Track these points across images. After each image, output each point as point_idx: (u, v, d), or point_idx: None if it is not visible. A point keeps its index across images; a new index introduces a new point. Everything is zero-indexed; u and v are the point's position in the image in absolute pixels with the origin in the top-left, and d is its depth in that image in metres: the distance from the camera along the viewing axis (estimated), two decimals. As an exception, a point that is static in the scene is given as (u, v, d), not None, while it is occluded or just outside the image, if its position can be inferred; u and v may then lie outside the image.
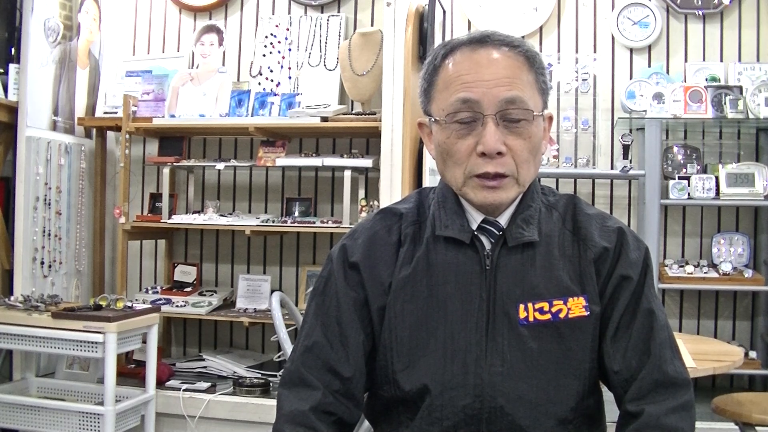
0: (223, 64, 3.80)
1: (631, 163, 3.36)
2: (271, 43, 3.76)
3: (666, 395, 1.18)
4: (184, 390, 3.26)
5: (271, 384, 3.32)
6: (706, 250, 3.52)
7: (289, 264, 3.84)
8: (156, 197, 3.81)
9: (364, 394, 1.30)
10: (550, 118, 1.28)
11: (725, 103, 3.29)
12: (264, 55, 3.77)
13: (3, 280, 3.37)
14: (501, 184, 1.20)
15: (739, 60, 3.51)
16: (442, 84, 1.23)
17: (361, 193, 3.41)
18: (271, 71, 3.73)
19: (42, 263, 3.37)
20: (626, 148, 3.36)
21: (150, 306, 3.21)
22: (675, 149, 3.54)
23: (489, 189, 1.20)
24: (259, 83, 3.72)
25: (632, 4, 3.57)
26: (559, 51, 3.64)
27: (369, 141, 3.62)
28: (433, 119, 1.25)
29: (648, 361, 1.20)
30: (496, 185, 1.20)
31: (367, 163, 3.35)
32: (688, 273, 3.32)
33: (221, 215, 3.57)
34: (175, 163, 3.64)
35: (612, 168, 3.52)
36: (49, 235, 3.42)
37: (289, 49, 3.74)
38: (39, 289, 3.25)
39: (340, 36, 3.69)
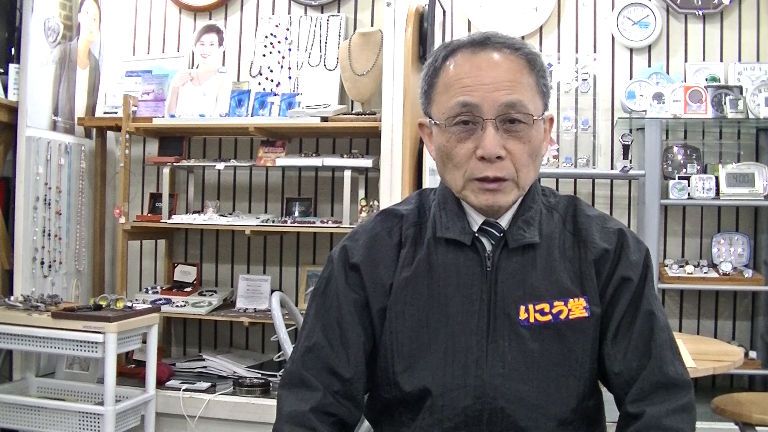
0: (223, 64, 3.80)
1: (631, 163, 3.36)
2: (271, 43, 3.76)
3: (667, 396, 1.18)
4: (184, 390, 3.26)
5: (271, 384, 3.32)
6: (706, 250, 3.52)
7: (289, 264, 3.84)
8: (156, 197, 3.81)
9: (365, 395, 1.30)
10: (551, 120, 1.28)
11: (725, 103, 3.29)
12: (264, 55, 3.77)
13: (3, 280, 3.37)
14: (501, 187, 1.20)
15: (739, 60, 3.51)
16: (442, 86, 1.23)
17: (361, 193, 3.41)
18: (271, 71, 3.73)
19: (42, 263, 3.37)
20: (626, 148, 3.36)
21: (150, 306, 3.21)
22: (675, 149, 3.54)
23: (489, 192, 1.20)
24: (259, 83, 3.72)
25: (632, 4, 3.57)
26: (559, 51, 3.64)
27: (369, 141, 3.62)
28: (433, 122, 1.25)
29: (648, 362, 1.20)
30: (496, 188, 1.20)
31: (367, 163, 3.35)
32: (688, 273, 3.32)
33: (221, 215, 3.57)
34: (175, 163, 3.64)
35: (612, 168, 3.52)
36: (49, 235, 3.42)
37: (289, 49, 3.74)
38: (39, 289, 3.25)
39: (340, 36, 3.69)
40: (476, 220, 1.26)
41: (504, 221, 1.25)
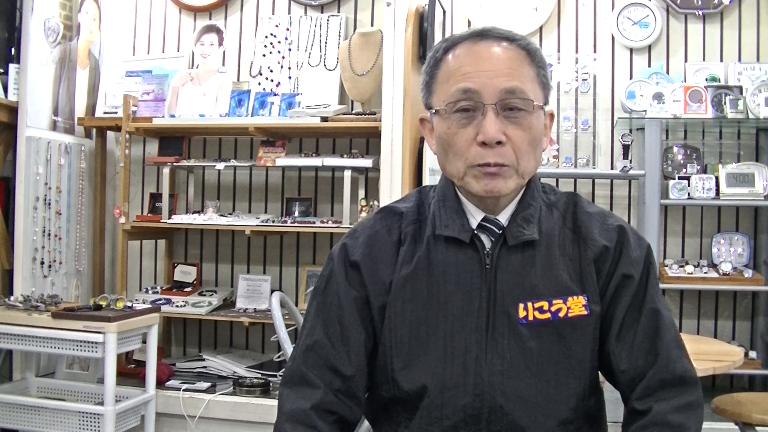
0: (223, 64, 3.80)
1: (631, 163, 3.36)
2: (271, 43, 3.76)
3: (673, 393, 1.18)
4: (184, 390, 3.26)
5: (271, 384, 3.32)
6: (706, 250, 3.52)
7: (289, 264, 3.84)
8: (156, 197, 3.81)
9: (366, 393, 1.30)
10: (552, 115, 1.28)
11: (725, 103, 3.29)
12: (264, 55, 3.77)
13: (3, 280, 3.37)
14: (501, 171, 1.20)
15: (739, 60, 3.51)
16: (443, 76, 1.23)
17: (361, 193, 3.41)
18: (271, 71, 3.73)
19: (42, 263, 3.37)
20: (626, 148, 3.36)
21: (150, 306, 3.21)
22: (675, 149, 3.54)
23: (489, 176, 1.20)
24: (259, 83, 3.72)
25: (632, 4, 3.57)
26: (559, 51, 3.64)
27: (369, 141, 3.62)
28: (434, 111, 1.25)
29: (655, 361, 1.20)
30: (496, 171, 1.19)
31: (367, 163, 3.35)
32: (688, 273, 3.32)
33: (221, 215, 3.57)
34: (175, 163, 3.64)
35: (612, 168, 3.52)
36: (49, 235, 3.42)
37: (289, 49, 3.74)
38: (39, 289, 3.24)
39: (340, 36, 3.69)
40: (475, 217, 1.26)
41: (503, 218, 1.25)
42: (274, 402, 1.27)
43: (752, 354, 3.36)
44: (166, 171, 3.61)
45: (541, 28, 3.66)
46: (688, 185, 3.31)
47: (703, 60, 3.55)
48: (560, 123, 3.54)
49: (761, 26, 3.52)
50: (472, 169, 1.20)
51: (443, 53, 1.25)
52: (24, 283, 3.26)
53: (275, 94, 3.56)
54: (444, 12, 3.58)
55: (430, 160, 3.14)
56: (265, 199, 3.85)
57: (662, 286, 3.28)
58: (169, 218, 3.56)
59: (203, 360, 3.60)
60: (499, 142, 1.18)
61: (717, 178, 3.30)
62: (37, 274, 3.35)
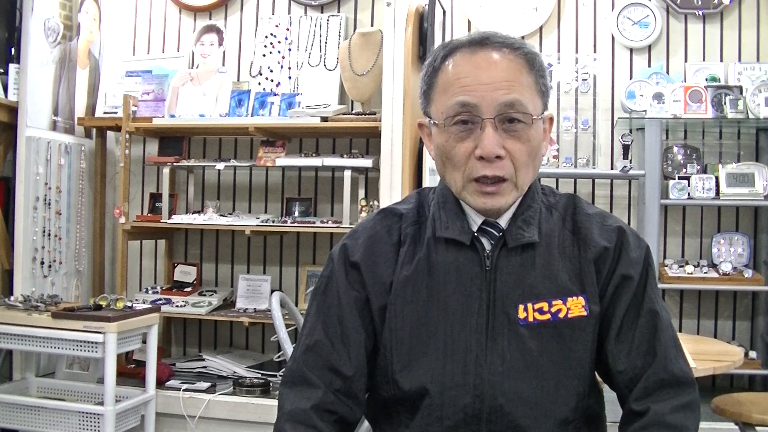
0: (223, 64, 3.80)
1: (631, 163, 3.36)
2: (271, 43, 3.76)
3: (671, 394, 1.19)
4: (184, 390, 3.26)
5: (270, 384, 3.32)
6: (706, 250, 3.52)
7: (289, 264, 3.84)
8: (156, 197, 3.81)
9: (366, 393, 1.30)
10: (551, 120, 1.28)
11: (725, 103, 3.29)
12: (264, 55, 3.77)
13: (3, 280, 3.37)
14: (499, 189, 1.20)
15: (739, 60, 3.51)
16: (441, 86, 1.23)
17: (361, 193, 3.41)
18: (271, 71, 3.73)
19: (42, 263, 3.37)
20: (626, 148, 3.36)
21: (150, 306, 3.21)
22: (675, 149, 3.54)
23: (487, 195, 1.20)
24: (259, 83, 3.72)
25: (632, 4, 3.57)
26: (559, 51, 3.64)
27: (369, 141, 3.62)
28: (432, 122, 1.25)
29: (653, 361, 1.20)
30: (494, 191, 1.20)
31: (367, 163, 3.35)
32: (688, 273, 3.32)
33: (221, 215, 3.57)
34: (175, 163, 3.64)
35: (612, 168, 3.52)
36: (49, 235, 3.42)
37: (289, 49, 3.74)
38: (39, 289, 3.25)
39: (340, 36, 3.69)
40: (476, 220, 1.26)
41: (503, 221, 1.25)
42: (274, 402, 1.27)
43: (752, 354, 3.36)
44: (166, 171, 3.61)
45: (541, 28, 3.66)
46: (688, 185, 3.31)
47: (703, 60, 3.55)
48: (560, 123, 3.54)
49: (761, 26, 3.52)
50: (471, 184, 1.21)
51: (441, 61, 1.24)
52: (24, 283, 3.26)
53: (275, 94, 3.56)
54: (444, 12, 3.58)
55: (430, 160, 3.14)
56: (265, 199, 3.85)
57: (662, 286, 3.29)
58: (169, 218, 3.56)
59: (203, 360, 3.60)
60: (498, 157, 1.18)
61: (717, 178, 3.30)
62: (37, 274, 3.35)
